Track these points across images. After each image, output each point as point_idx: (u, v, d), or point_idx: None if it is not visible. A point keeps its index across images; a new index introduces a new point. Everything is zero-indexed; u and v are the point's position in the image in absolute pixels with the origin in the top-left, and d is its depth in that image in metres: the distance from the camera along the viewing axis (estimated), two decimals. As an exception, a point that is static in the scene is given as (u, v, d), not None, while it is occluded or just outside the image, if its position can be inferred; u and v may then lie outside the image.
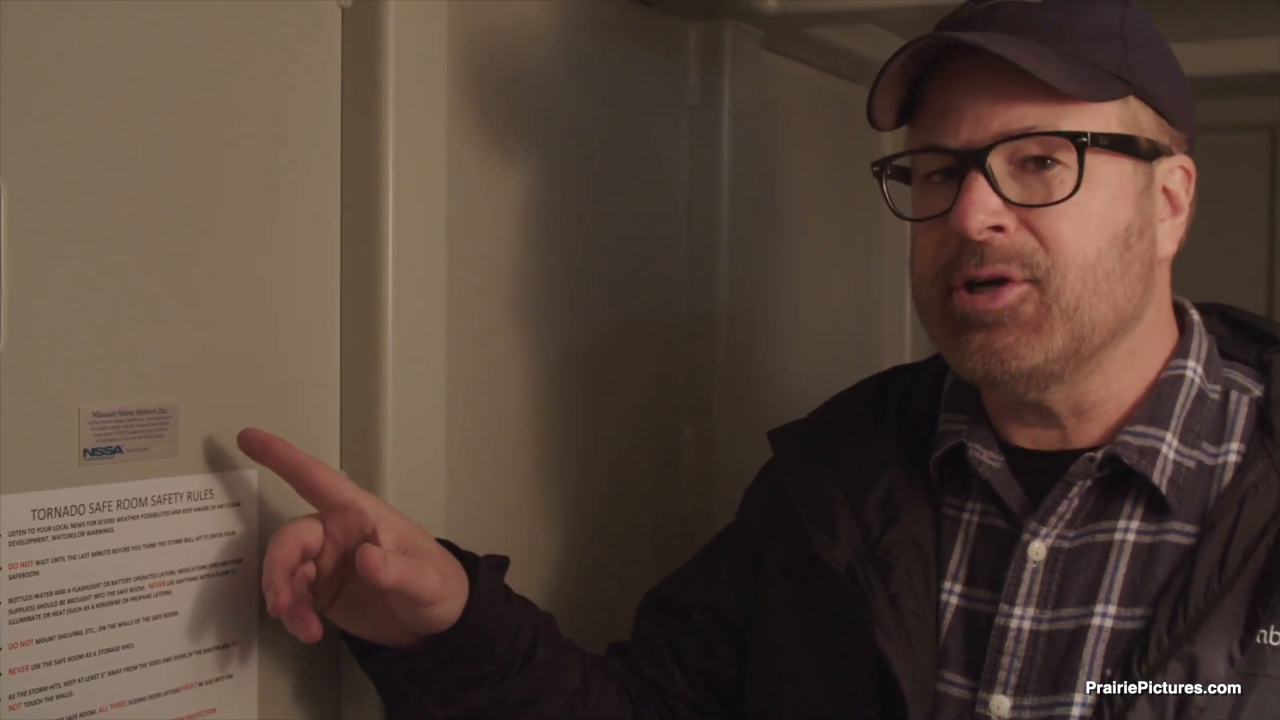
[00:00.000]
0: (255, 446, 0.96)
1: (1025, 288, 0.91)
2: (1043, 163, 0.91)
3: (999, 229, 0.91)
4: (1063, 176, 0.90)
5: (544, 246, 1.32)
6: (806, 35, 1.66)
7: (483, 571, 1.01)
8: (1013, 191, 0.91)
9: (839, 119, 1.83)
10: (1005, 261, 0.91)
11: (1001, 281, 0.91)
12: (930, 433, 1.03)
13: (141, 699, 0.92)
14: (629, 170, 1.46)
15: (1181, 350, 0.98)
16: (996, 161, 0.91)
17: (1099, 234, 0.90)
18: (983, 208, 0.90)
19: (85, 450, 0.87)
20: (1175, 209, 0.96)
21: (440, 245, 1.10)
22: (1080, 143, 0.89)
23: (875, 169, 1.00)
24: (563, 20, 1.34)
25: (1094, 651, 0.90)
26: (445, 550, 1.01)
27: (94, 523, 0.88)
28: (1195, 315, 1.01)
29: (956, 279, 0.93)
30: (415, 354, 1.08)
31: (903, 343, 2.01)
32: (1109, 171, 0.91)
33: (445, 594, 0.97)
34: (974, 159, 0.91)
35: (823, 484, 1.05)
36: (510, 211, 1.27)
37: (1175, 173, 0.96)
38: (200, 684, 0.96)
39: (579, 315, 1.38)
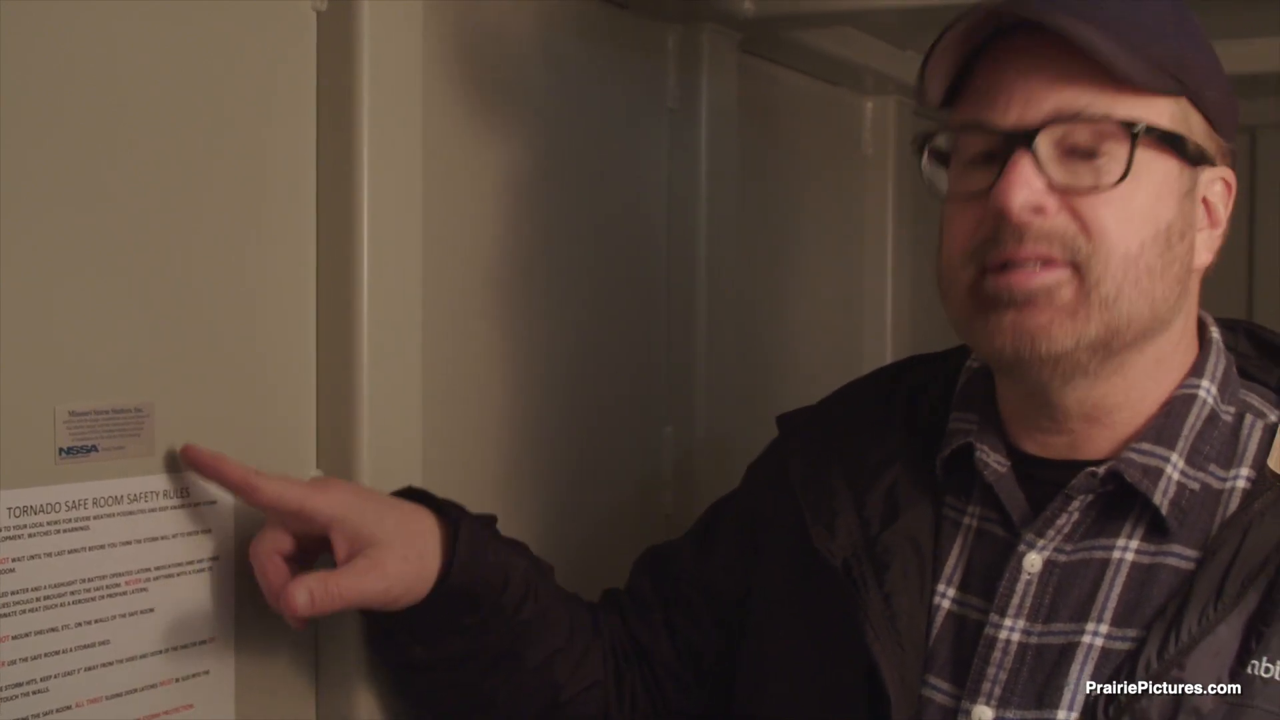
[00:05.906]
0: (195, 464, 0.95)
1: (1065, 272, 0.88)
2: (1091, 149, 0.88)
3: (1039, 210, 0.88)
4: (1110, 165, 0.88)
5: (523, 247, 1.32)
6: (784, 38, 1.67)
7: (464, 536, 1.01)
8: (1059, 175, 0.88)
9: (817, 121, 1.84)
10: (1046, 243, 0.88)
11: (1040, 264, 0.89)
12: (940, 430, 1.01)
13: (118, 694, 0.93)
14: (608, 172, 1.47)
15: (1197, 369, 0.95)
16: (1044, 144, 0.88)
17: (1142, 227, 0.88)
18: (1027, 186, 0.87)
19: (61, 449, 0.88)
20: (1213, 221, 0.94)
21: (416, 245, 1.11)
22: (1134, 132, 0.87)
23: (916, 144, 0.97)
24: (540, 23, 1.35)
25: (1081, 669, 0.88)
26: (411, 528, 1.00)
27: (70, 520, 0.89)
28: (1216, 333, 0.98)
29: (993, 259, 0.90)
30: (391, 354, 1.09)
31: (884, 342, 2.02)
32: (1156, 167, 0.89)
33: (399, 589, 0.98)
34: (1022, 139, 0.88)
35: (827, 475, 1.03)
36: (488, 212, 1.28)
37: (1216, 184, 0.94)
38: (177, 680, 0.97)
39: (559, 315, 1.39)
